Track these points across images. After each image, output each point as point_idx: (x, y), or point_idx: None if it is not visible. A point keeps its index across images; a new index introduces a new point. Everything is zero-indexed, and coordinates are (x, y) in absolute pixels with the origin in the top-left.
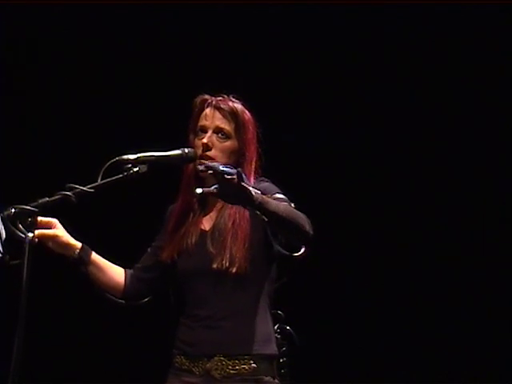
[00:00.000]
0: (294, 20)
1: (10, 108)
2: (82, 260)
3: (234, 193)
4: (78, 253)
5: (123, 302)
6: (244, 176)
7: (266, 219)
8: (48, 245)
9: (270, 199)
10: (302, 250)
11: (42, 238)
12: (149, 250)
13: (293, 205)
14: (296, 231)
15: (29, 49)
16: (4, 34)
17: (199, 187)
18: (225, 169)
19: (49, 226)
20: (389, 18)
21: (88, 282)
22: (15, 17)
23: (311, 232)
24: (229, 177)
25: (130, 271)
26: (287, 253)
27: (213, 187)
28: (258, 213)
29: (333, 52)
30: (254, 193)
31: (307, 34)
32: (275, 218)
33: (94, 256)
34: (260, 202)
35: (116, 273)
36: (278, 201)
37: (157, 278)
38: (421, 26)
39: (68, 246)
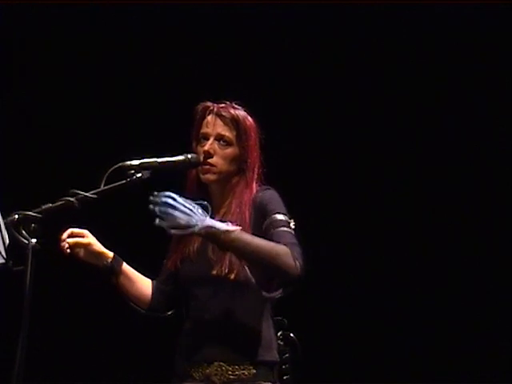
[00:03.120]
0: (295, 24)
1: (10, 111)
2: (114, 270)
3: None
4: (110, 262)
5: (147, 313)
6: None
7: (240, 259)
8: (79, 255)
9: (242, 237)
10: (277, 292)
11: (76, 246)
12: (164, 261)
13: (292, 224)
14: (274, 273)
15: (29, 49)
16: (4, 34)
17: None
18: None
19: (81, 236)
20: (389, 18)
21: (116, 292)
22: (15, 17)
23: (297, 271)
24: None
25: (155, 283)
26: (263, 292)
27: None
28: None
29: (333, 57)
30: (222, 235)
31: (308, 37)
32: (249, 260)
33: (125, 266)
34: (226, 242)
35: (144, 284)
36: (277, 224)
37: (174, 289)
38: (421, 26)
39: (101, 254)
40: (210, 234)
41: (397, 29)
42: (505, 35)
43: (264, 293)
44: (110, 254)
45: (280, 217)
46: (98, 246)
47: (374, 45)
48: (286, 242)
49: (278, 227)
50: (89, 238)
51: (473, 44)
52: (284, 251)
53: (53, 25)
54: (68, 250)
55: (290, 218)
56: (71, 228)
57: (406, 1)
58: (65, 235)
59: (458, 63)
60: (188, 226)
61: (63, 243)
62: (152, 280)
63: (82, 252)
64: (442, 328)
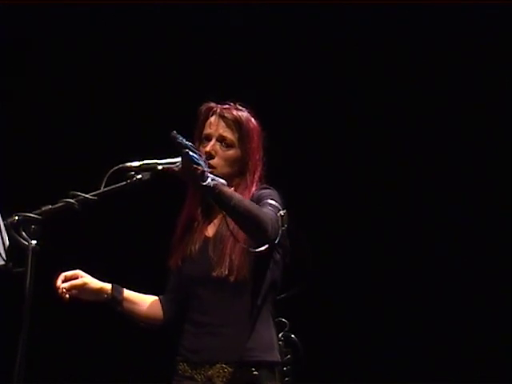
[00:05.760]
0: (297, 25)
1: (10, 111)
2: (116, 299)
3: (193, 177)
4: (111, 293)
5: (165, 327)
6: (206, 166)
7: (223, 211)
8: (78, 296)
9: (233, 193)
10: (263, 248)
11: (72, 288)
12: (168, 268)
13: (282, 213)
14: (252, 228)
15: (29, 49)
16: (4, 34)
17: (161, 164)
18: (193, 155)
19: (75, 278)
20: (389, 18)
21: (126, 319)
22: (15, 16)
23: (271, 235)
24: (194, 165)
25: (163, 296)
26: (244, 246)
27: (176, 164)
28: (216, 204)
29: (336, 58)
30: (212, 185)
31: (312, 39)
32: (231, 212)
33: (126, 292)
34: (217, 194)
35: (151, 302)
36: (266, 205)
37: (184, 292)
38: (421, 26)
39: (99, 290)
40: (219, 186)
41: (397, 29)
42: (505, 35)
43: (250, 248)
44: (108, 286)
45: (270, 201)
46: (95, 283)
47: (374, 45)
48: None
49: (264, 205)
50: (83, 278)
51: (473, 44)
52: (263, 211)
53: (53, 25)
54: (67, 296)
55: (283, 209)
56: (63, 272)
57: (406, 1)
58: (59, 281)
59: (458, 63)
60: (202, 168)
61: (59, 289)
62: (158, 296)
63: (79, 293)
64: (441, 328)
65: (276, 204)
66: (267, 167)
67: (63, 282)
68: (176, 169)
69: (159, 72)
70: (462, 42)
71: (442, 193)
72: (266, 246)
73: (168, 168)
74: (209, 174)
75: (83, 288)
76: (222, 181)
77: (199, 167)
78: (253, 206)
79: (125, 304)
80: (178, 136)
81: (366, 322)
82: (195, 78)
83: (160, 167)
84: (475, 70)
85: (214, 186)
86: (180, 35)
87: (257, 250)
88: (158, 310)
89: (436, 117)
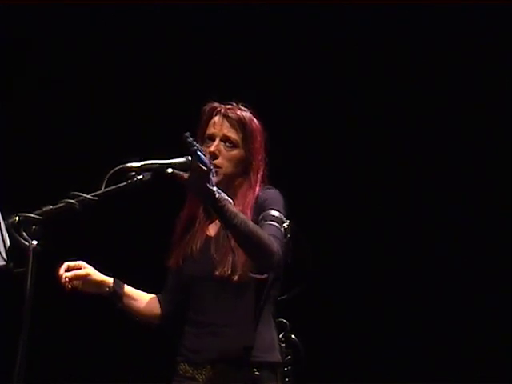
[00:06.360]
0: (300, 26)
1: (10, 111)
2: (117, 294)
3: (200, 184)
4: (112, 287)
5: (161, 327)
6: (212, 176)
7: (224, 227)
8: (79, 287)
9: (238, 212)
10: (264, 276)
11: (75, 278)
12: (167, 268)
13: (285, 224)
14: (253, 251)
15: (29, 49)
16: (4, 34)
17: (170, 167)
18: (202, 156)
19: (78, 268)
20: (389, 18)
21: (124, 314)
22: (15, 16)
23: (275, 262)
24: (201, 165)
25: (161, 295)
26: (244, 268)
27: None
28: (218, 219)
29: (336, 58)
30: (217, 195)
31: (314, 40)
32: (233, 231)
33: (127, 287)
34: (221, 207)
35: (150, 300)
36: (269, 218)
37: (182, 294)
38: (421, 26)
39: (101, 283)
40: (224, 201)
41: (397, 29)
42: (505, 35)
43: (249, 273)
44: (110, 279)
45: (274, 212)
46: (97, 275)
47: (374, 45)
48: (269, 234)
49: (268, 220)
50: (86, 269)
51: (473, 44)
52: (267, 236)
53: (53, 25)
54: (69, 285)
55: (287, 218)
56: (66, 262)
57: (406, 1)
58: (61, 270)
59: (458, 63)
60: (209, 168)
61: (62, 278)
62: (157, 294)
63: (81, 284)
64: (441, 328)
65: (279, 215)
66: (270, 167)
67: (66, 271)
68: (185, 176)
69: (159, 72)
70: (462, 42)
71: (442, 193)
72: (267, 274)
73: (177, 174)
74: (215, 189)
75: (85, 279)
76: (229, 199)
77: (206, 168)
78: (256, 229)
79: (125, 300)
80: (190, 137)
81: (366, 322)
82: (195, 78)
83: (170, 170)
84: (475, 70)
85: (219, 197)
86: (180, 35)
87: (256, 275)
88: (156, 309)
89: (436, 117)
